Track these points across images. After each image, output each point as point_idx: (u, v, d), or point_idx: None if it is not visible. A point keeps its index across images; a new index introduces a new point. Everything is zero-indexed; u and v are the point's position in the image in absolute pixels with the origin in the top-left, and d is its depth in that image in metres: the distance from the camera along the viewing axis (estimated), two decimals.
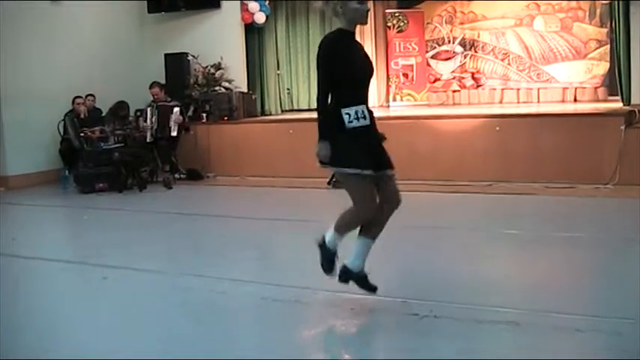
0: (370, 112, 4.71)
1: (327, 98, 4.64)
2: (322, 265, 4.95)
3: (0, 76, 11.75)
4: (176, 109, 11.91)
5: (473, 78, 15.21)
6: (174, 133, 11.88)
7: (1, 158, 11.13)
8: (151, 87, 12.22)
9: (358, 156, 4.58)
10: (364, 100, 4.72)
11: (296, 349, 4.32)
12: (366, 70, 4.84)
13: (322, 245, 4.94)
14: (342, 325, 4.74)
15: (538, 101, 14.58)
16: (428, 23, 15.59)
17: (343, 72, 4.61)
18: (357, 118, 4.60)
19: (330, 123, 4.62)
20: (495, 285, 5.43)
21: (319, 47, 4.69)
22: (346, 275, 4.84)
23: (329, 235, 4.90)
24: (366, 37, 15.81)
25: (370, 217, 4.70)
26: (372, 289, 4.83)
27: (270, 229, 8.27)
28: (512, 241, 7.00)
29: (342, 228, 4.82)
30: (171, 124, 11.84)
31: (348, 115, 4.58)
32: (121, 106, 12.34)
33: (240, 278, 5.92)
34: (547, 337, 4.26)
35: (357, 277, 4.83)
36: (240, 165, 12.28)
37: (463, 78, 15.31)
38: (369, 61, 4.93)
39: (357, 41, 4.95)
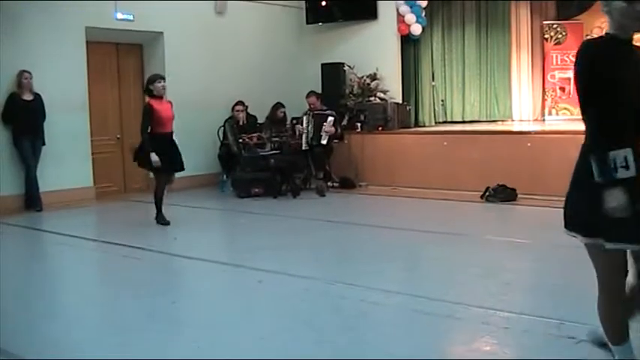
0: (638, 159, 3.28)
1: (601, 126, 3.29)
2: None
3: (166, 84, 12.34)
4: (330, 119, 12.12)
5: None
6: (323, 141, 12.09)
7: None
8: (307, 96, 12.54)
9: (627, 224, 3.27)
10: (634, 140, 3.30)
11: None
12: None
13: None
14: (495, 344, 4.61)
15: None
16: (587, 35, 15.08)
17: (601, 92, 3.30)
18: (622, 167, 3.20)
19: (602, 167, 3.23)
20: None
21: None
22: None
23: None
24: (522, 49, 15.55)
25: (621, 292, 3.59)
26: None
27: (421, 240, 8.24)
28: None
29: (612, 333, 3.65)
30: (322, 132, 12.07)
31: None
32: (277, 107, 12.73)
33: (391, 289, 5.93)
34: None
35: None
36: (393, 175, 12.33)
37: None
38: None
39: (636, 51, 3.48)
